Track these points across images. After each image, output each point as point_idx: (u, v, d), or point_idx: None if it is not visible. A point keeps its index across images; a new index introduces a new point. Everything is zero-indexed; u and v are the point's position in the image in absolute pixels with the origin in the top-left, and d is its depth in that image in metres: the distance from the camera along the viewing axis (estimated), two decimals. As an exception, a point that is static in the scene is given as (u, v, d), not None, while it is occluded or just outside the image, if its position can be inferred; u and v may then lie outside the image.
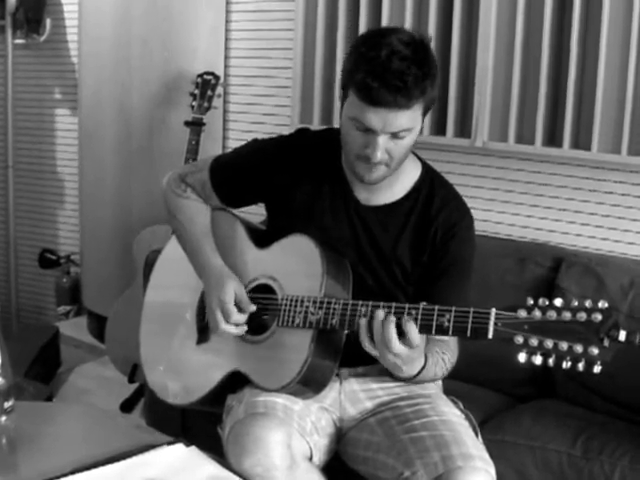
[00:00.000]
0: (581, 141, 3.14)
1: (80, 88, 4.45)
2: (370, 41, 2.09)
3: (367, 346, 2.03)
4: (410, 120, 2.08)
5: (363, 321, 2.03)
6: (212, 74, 3.85)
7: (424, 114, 2.14)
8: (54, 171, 4.97)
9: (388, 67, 2.01)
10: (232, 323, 2.23)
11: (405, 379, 2.13)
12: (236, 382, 2.30)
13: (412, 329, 1.97)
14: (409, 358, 2.02)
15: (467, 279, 2.29)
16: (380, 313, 2.01)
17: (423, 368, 2.09)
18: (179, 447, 2.04)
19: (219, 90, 3.88)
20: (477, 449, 2.11)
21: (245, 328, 2.26)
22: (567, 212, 3.33)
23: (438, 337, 2.12)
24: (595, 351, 1.78)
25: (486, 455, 2.12)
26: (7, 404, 1.95)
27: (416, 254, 2.26)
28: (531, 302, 1.86)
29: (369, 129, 2.08)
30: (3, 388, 1.93)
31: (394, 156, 2.13)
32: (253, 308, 2.25)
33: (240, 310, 2.24)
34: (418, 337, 1.97)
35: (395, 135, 2.09)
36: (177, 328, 2.47)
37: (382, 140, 2.08)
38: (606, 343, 1.78)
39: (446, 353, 2.20)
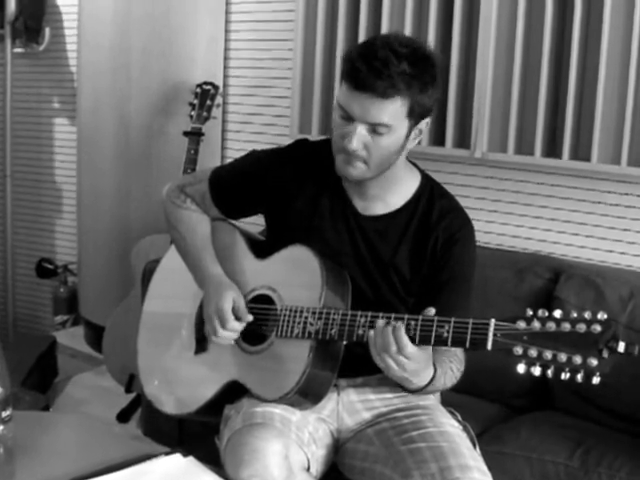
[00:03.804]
0: (581, 152, 3.14)
1: (79, 97, 4.45)
2: (371, 39, 2.15)
3: (377, 360, 2.02)
4: (390, 115, 2.07)
5: (371, 333, 2.02)
6: (211, 84, 3.85)
7: (409, 117, 2.12)
8: (52, 180, 4.97)
9: (379, 55, 2.04)
10: (229, 329, 2.23)
11: (415, 391, 2.12)
12: (234, 392, 2.30)
13: (401, 334, 1.97)
14: (414, 371, 2.02)
15: (468, 290, 2.28)
16: (380, 322, 2.01)
17: (433, 378, 2.09)
18: (177, 457, 2.03)
19: (218, 100, 3.88)
20: (475, 460, 2.11)
21: (237, 335, 2.26)
22: (565, 223, 3.33)
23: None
24: (594, 362, 1.78)
25: (484, 466, 2.12)
26: (5, 413, 1.94)
27: (415, 263, 2.26)
28: (530, 313, 1.86)
29: (350, 117, 2.09)
30: (1, 397, 1.92)
31: (372, 154, 2.12)
32: (250, 318, 2.25)
33: (237, 319, 2.24)
34: (409, 343, 1.97)
35: (374, 129, 2.09)
36: (175, 338, 2.47)
37: (360, 130, 2.09)
38: (605, 354, 1.78)
39: (453, 362, 2.20)
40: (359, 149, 2.11)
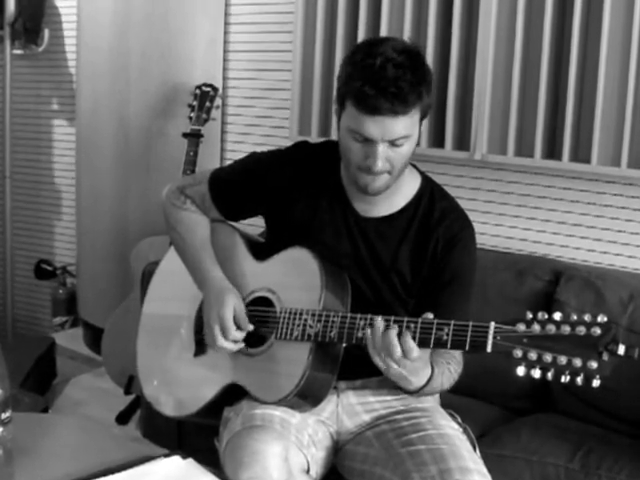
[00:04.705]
0: (580, 154, 3.14)
1: (78, 99, 4.45)
2: (364, 50, 2.10)
3: (375, 359, 2.02)
4: (408, 127, 2.08)
5: (368, 332, 2.02)
6: (210, 86, 3.85)
7: (421, 121, 2.15)
8: (51, 182, 4.97)
9: (383, 74, 2.02)
10: (230, 340, 2.23)
11: (414, 391, 2.12)
12: (233, 394, 2.30)
13: (408, 339, 1.96)
14: (414, 369, 2.02)
15: (468, 292, 2.28)
16: (380, 323, 2.00)
17: (430, 378, 2.09)
18: (176, 459, 2.02)
19: (217, 102, 3.87)
20: (475, 463, 2.10)
21: (242, 345, 2.25)
22: (566, 225, 3.32)
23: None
24: (594, 365, 1.77)
25: (484, 469, 2.11)
26: (4, 415, 1.94)
27: (416, 265, 2.26)
28: (530, 316, 1.86)
29: (368, 139, 2.08)
30: (0, 399, 1.92)
31: (395, 164, 2.13)
32: (250, 327, 2.25)
33: (238, 327, 2.24)
34: (415, 347, 1.97)
35: (394, 143, 2.09)
36: (174, 340, 2.46)
37: (382, 149, 2.08)
38: (605, 357, 1.78)
39: (451, 363, 2.20)
40: (385, 167, 2.12)
